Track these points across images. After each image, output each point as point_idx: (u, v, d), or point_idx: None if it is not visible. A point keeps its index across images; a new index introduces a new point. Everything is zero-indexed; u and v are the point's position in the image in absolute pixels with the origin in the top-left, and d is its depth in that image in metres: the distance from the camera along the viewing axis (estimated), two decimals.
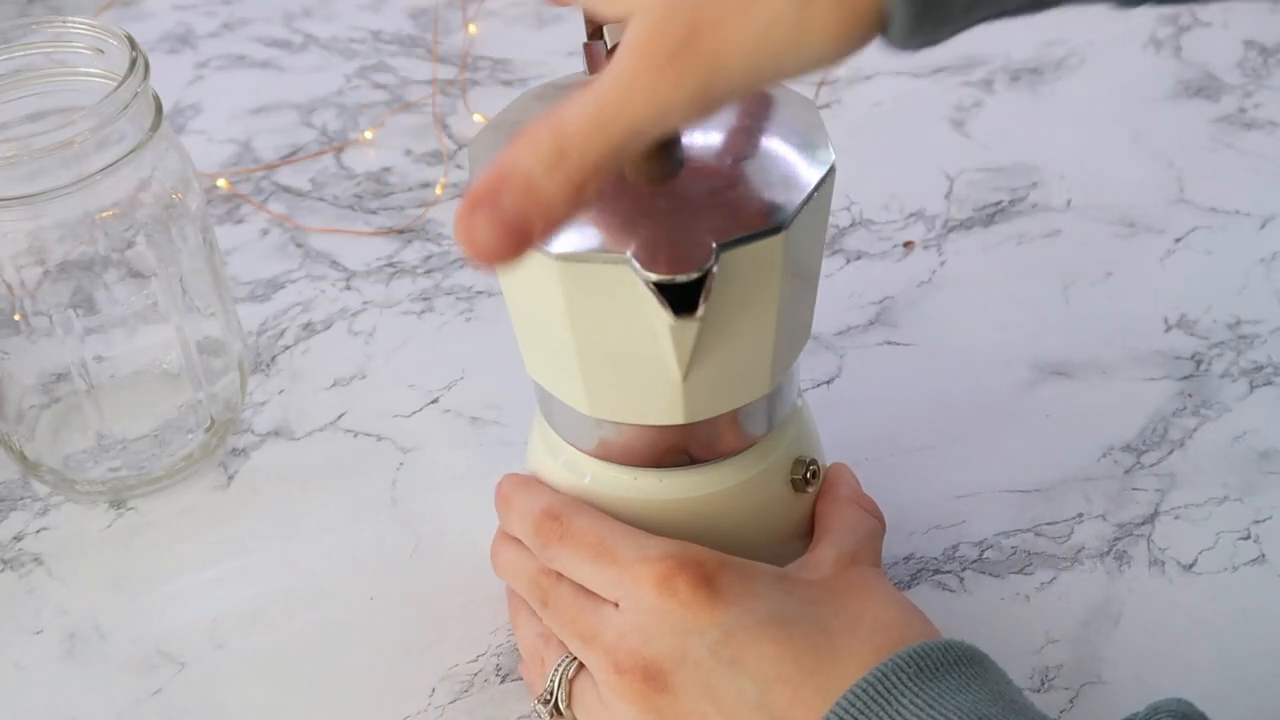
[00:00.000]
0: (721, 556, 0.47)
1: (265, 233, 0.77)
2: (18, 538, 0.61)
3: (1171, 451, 0.61)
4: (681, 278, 0.41)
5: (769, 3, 0.34)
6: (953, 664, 0.43)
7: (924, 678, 0.42)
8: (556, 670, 0.48)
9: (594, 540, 0.48)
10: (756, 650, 0.44)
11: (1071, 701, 0.52)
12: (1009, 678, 0.44)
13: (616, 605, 0.47)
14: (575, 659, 0.48)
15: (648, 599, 0.45)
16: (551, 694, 0.48)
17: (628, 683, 0.45)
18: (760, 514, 0.50)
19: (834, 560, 0.49)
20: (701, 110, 0.36)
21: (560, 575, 0.49)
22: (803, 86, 0.79)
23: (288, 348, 0.70)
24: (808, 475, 0.51)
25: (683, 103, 0.35)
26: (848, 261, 0.73)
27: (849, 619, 0.45)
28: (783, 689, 0.44)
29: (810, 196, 0.43)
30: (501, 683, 0.54)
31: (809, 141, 0.45)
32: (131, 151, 0.55)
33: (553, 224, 0.36)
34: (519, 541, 0.51)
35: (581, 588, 0.48)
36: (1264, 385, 0.64)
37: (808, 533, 0.52)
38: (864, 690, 0.42)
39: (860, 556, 0.49)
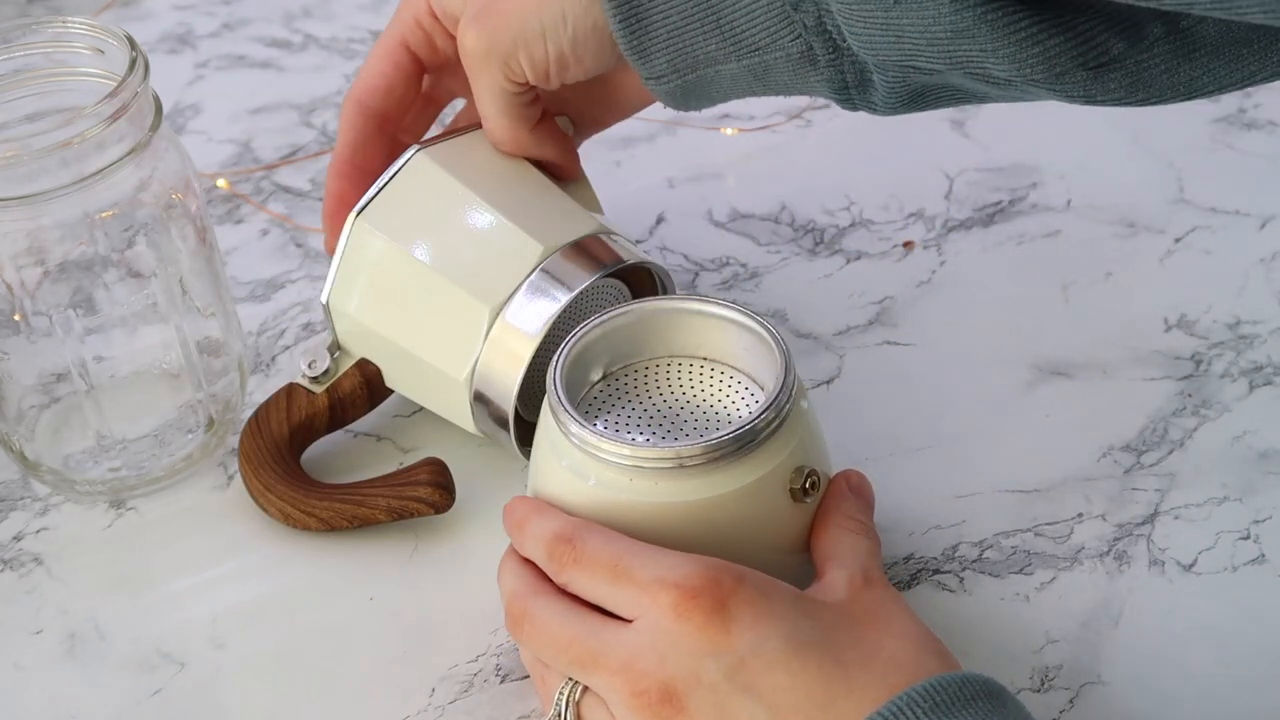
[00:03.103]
0: (739, 573, 0.46)
1: (265, 233, 0.77)
2: (18, 538, 0.61)
3: (1171, 451, 0.61)
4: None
5: None
6: (970, 698, 0.43)
7: (940, 712, 0.42)
8: (561, 695, 0.48)
9: (609, 561, 0.47)
10: (770, 679, 0.44)
11: (1071, 701, 0.52)
12: (1027, 711, 0.44)
13: (630, 621, 0.47)
14: (578, 682, 0.48)
15: (665, 622, 0.45)
16: (560, 718, 0.48)
17: (645, 704, 0.45)
18: (758, 522, 0.50)
19: (846, 582, 0.48)
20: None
21: (535, 615, 0.49)
22: None
23: (288, 348, 0.70)
24: (807, 485, 0.50)
25: None
26: (848, 261, 0.73)
27: (865, 651, 0.45)
28: (794, 719, 0.44)
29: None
30: (501, 683, 0.54)
31: None
32: (131, 151, 0.55)
33: None
34: (523, 563, 0.51)
35: (571, 611, 0.48)
36: (1264, 385, 0.64)
37: (807, 547, 0.52)
38: None
39: (871, 577, 0.49)
